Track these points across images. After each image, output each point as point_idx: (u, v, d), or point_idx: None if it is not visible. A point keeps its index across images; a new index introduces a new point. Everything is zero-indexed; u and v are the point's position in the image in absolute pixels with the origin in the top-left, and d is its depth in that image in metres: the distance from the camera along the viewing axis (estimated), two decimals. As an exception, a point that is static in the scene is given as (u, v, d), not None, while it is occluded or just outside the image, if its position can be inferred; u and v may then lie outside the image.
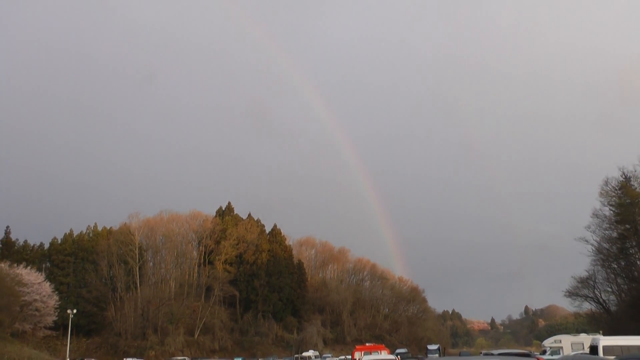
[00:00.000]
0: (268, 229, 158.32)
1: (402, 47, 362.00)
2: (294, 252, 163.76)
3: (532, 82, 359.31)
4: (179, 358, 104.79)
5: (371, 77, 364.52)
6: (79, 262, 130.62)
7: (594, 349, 34.68)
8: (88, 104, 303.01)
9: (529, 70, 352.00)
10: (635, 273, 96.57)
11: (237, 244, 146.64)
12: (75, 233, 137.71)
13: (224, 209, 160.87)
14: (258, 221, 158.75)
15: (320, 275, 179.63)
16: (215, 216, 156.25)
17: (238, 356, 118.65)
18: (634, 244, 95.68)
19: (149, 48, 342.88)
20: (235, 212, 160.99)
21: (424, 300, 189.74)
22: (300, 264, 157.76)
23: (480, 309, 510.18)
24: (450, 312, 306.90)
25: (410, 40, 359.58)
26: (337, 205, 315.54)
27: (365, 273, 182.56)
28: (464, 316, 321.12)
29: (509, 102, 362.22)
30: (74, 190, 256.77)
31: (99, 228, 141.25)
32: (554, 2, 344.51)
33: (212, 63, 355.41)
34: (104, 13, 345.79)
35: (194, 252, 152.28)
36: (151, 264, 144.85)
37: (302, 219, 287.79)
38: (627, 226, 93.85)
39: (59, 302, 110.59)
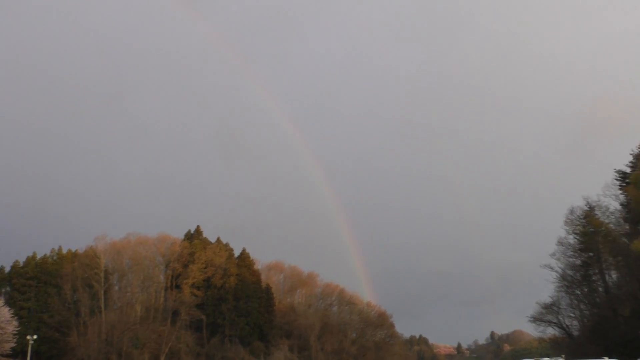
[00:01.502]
0: (237, 253, 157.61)
1: (376, 74, 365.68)
2: (263, 276, 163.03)
3: (504, 110, 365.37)
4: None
5: (345, 103, 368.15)
6: (41, 286, 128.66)
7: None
8: (52, 124, 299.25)
9: (501, 98, 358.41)
10: (597, 299, 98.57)
11: (205, 268, 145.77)
12: (39, 256, 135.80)
13: (192, 232, 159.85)
14: (227, 245, 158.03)
15: (289, 299, 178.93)
16: (184, 240, 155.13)
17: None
18: (596, 271, 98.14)
19: (118, 67, 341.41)
20: (204, 236, 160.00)
21: (392, 326, 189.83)
22: (268, 289, 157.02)
23: (447, 334, 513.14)
24: (417, 337, 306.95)
25: (384, 67, 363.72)
26: (307, 231, 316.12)
27: (333, 298, 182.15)
28: (430, 341, 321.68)
29: (480, 130, 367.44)
30: (38, 213, 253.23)
31: (64, 251, 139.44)
32: (527, 35, 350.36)
33: (183, 84, 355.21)
34: (72, 28, 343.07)
35: (161, 275, 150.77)
36: (117, 287, 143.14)
37: (271, 244, 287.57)
38: (591, 254, 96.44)
39: (19, 328, 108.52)
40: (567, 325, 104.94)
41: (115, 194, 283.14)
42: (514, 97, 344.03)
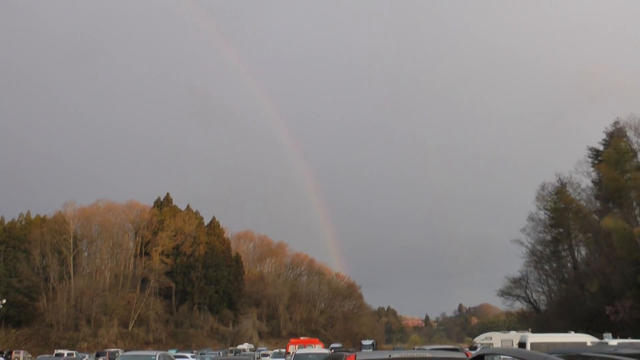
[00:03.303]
0: (207, 221, 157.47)
1: (353, 42, 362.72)
2: (232, 245, 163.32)
3: (483, 81, 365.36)
4: (112, 350, 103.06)
5: (320, 70, 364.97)
6: (10, 250, 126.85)
7: (522, 346, 35.84)
8: (21, 84, 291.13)
9: (480, 69, 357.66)
10: (566, 275, 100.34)
11: (175, 236, 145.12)
12: (7, 221, 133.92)
13: (162, 199, 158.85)
14: (197, 213, 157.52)
15: (258, 268, 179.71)
16: (153, 207, 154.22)
17: (172, 348, 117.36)
18: (565, 247, 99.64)
19: (90, 26, 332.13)
20: (173, 204, 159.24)
21: (360, 297, 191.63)
22: (238, 257, 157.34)
23: (415, 306, 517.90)
24: (385, 309, 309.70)
25: (361, 37, 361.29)
26: (278, 200, 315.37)
27: (302, 268, 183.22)
28: (399, 313, 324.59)
29: (458, 95, 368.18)
30: (6, 176, 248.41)
31: (32, 216, 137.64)
32: (508, 7, 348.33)
33: (157, 44, 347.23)
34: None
35: (131, 242, 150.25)
36: (86, 254, 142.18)
37: (242, 213, 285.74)
38: (560, 230, 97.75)
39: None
40: (534, 300, 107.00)
41: (85, 157, 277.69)
42: (494, 66, 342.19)
